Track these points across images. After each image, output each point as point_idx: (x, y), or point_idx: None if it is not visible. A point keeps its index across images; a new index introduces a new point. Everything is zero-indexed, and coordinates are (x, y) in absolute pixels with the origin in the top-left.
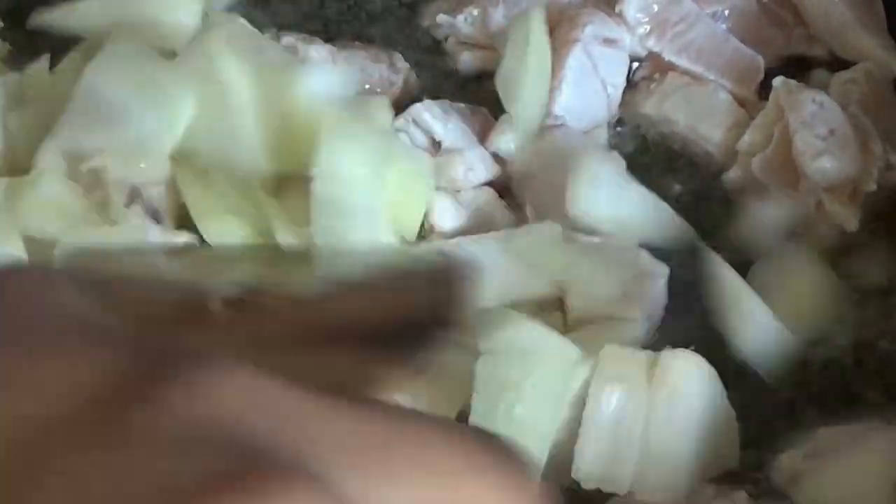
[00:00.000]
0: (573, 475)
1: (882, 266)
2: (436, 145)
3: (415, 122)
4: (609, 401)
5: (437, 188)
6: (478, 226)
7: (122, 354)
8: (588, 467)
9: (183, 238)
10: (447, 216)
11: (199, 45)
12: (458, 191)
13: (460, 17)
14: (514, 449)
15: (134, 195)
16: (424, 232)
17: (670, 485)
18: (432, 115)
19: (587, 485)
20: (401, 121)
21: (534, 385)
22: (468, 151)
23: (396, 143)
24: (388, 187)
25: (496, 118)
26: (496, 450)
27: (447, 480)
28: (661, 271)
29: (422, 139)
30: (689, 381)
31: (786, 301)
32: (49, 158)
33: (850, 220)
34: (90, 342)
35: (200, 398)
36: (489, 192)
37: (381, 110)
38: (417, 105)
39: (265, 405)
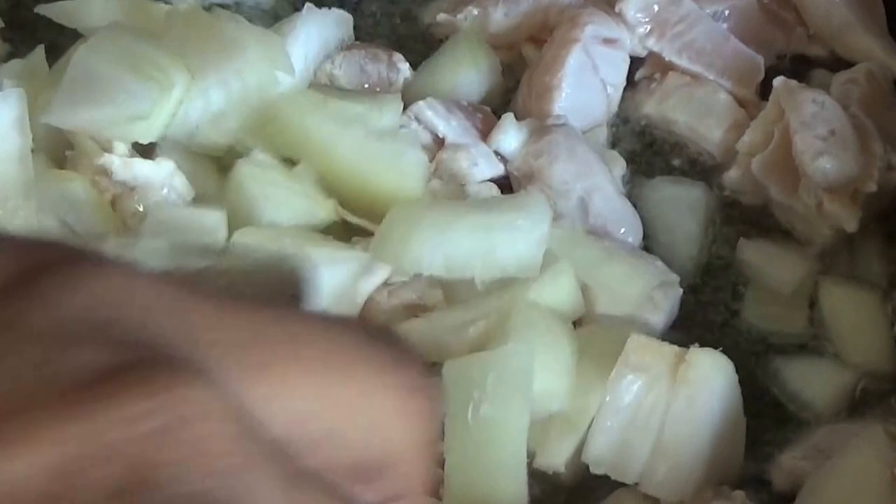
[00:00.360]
0: (583, 458)
1: (882, 266)
2: (438, 142)
3: (417, 119)
4: (629, 389)
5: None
6: None
7: (7, 257)
8: (599, 452)
9: None
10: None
11: (185, 23)
12: (463, 185)
13: (460, 17)
14: (406, 346)
15: None
16: None
17: (678, 482)
18: (435, 113)
19: (596, 469)
20: (403, 118)
21: (495, 382)
22: (472, 148)
23: (389, 142)
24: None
25: (498, 117)
26: (386, 347)
27: (337, 378)
28: (675, 280)
29: (425, 136)
30: (713, 380)
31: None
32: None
33: (849, 220)
34: None
35: (77, 292)
36: (492, 189)
37: (391, 106)
38: (420, 103)
39: (147, 301)
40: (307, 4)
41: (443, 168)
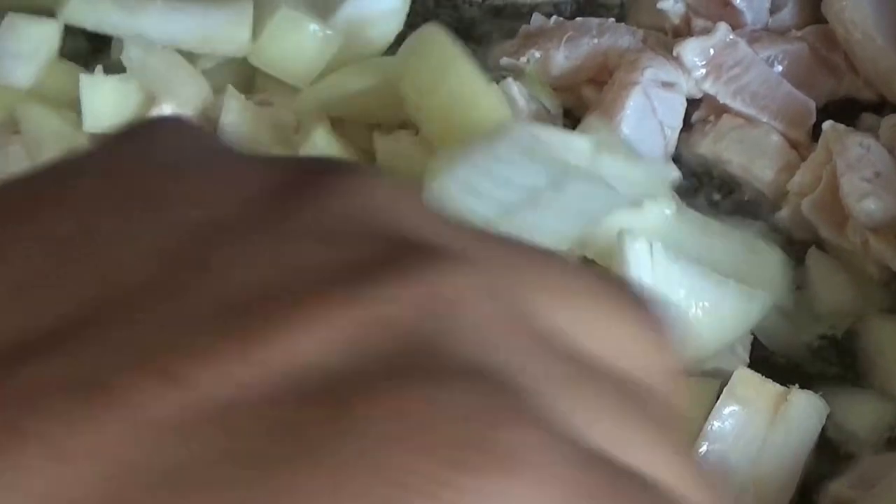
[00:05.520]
0: None
1: None
2: None
3: None
4: (731, 420)
5: None
6: None
7: (275, 169)
8: None
9: None
10: None
11: None
12: None
13: (523, 60)
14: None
15: None
16: None
17: None
18: None
19: None
20: None
21: None
22: None
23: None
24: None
25: None
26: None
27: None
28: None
29: None
30: (810, 420)
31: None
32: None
33: (894, 259)
34: (243, 163)
35: (355, 197)
36: None
37: None
38: None
39: (423, 215)
40: None
41: None
